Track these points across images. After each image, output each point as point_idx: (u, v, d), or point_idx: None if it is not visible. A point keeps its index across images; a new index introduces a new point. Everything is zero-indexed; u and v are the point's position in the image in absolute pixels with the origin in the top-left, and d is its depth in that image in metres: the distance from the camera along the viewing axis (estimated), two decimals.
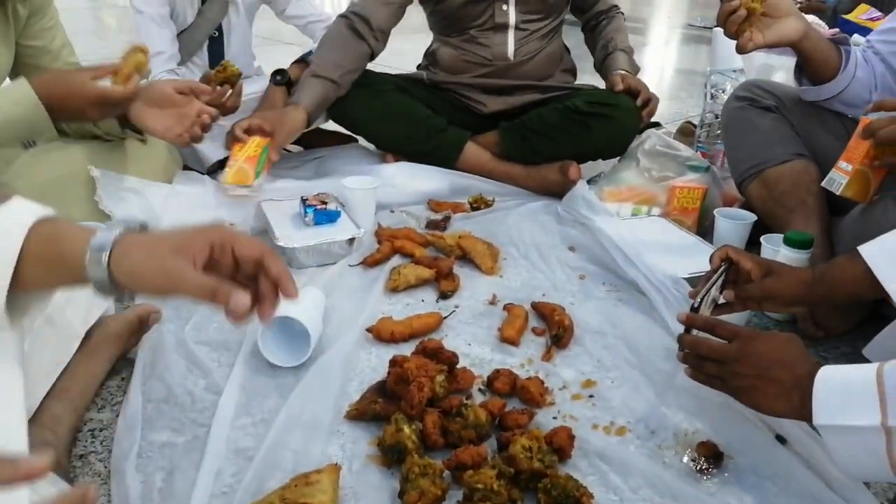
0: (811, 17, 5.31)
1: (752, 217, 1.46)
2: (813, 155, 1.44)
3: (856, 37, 5.14)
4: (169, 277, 0.60)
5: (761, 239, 1.36)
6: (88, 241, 0.60)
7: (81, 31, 4.06)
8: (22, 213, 0.62)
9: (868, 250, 1.00)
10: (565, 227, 1.62)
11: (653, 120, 1.88)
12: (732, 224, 1.45)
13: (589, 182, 1.80)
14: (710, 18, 6.01)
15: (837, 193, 1.20)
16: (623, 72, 1.85)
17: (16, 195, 0.64)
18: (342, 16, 1.84)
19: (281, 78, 1.90)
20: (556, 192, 1.79)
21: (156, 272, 0.60)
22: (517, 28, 1.87)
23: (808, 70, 1.40)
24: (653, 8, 8.16)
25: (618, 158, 1.82)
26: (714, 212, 1.50)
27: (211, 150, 1.79)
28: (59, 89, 1.15)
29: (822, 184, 1.24)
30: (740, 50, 1.29)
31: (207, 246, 0.62)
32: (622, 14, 2.04)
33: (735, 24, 1.27)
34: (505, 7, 1.85)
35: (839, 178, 1.20)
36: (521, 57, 1.89)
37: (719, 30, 1.96)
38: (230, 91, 1.57)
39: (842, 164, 1.20)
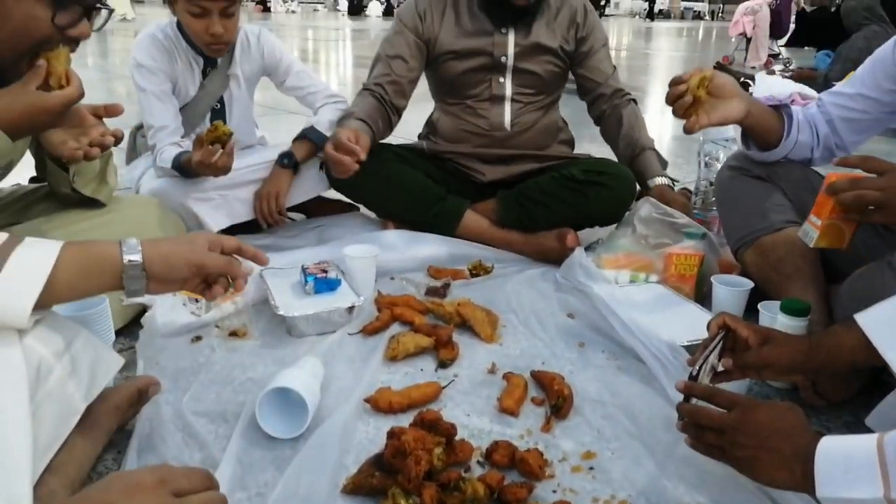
0: (802, 86, 5.45)
1: (750, 284, 1.47)
2: None
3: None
4: (198, 255, 0.87)
5: (759, 306, 1.36)
6: (121, 241, 0.83)
7: (93, 102, 4.13)
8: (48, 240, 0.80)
9: (865, 318, 1.01)
10: (564, 294, 1.64)
11: (670, 178, 1.92)
12: (730, 291, 1.46)
13: (586, 249, 1.82)
14: None
15: (811, 246, 1.24)
16: (662, 181, 1.88)
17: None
18: (365, 88, 1.94)
19: (288, 161, 1.93)
20: (555, 259, 1.81)
21: (186, 252, 0.86)
22: (513, 100, 1.93)
23: (753, 139, 1.49)
24: (648, 76, 8.40)
25: (615, 225, 1.84)
26: (711, 279, 1.52)
27: (214, 218, 1.82)
28: (19, 109, 1.10)
29: (798, 233, 1.28)
30: (687, 131, 1.37)
31: (209, 242, 0.90)
32: (633, 100, 2.02)
33: (682, 107, 1.35)
34: (501, 80, 1.91)
35: (811, 232, 1.23)
36: (518, 128, 1.94)
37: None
38: (220, 151, 1.60)
39: (812, 217, 1.24)
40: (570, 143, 2.11)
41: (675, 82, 1.36)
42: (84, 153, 1.26)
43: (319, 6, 41.86)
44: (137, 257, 0.82)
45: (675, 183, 1.97)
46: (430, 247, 1.83)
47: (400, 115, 1.98)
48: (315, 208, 2.11)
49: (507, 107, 1.93)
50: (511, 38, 1.88)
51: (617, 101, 1.99)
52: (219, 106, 2.02)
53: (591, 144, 2.07)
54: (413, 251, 1.80)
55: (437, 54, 1.92)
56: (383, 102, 1.92)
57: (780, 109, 1.47)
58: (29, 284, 0.76)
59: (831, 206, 1.19)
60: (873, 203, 1.13)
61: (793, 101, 5.08)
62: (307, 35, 14.11)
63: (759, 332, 1.08)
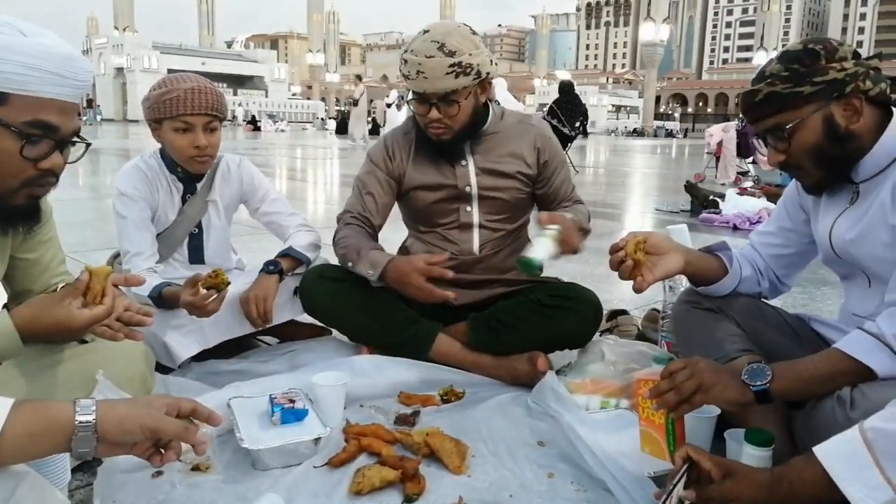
0: (767, 203, 5.62)
1: (716, 411, 1.48)
2: (762, 350, 1.51)
3: None
4: (154, 419, 0.87)
5: (725, 434, 1.37)
6: (75, 400, 0.83)
7: (80, 222, 4.24)
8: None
9: (823, 451, 1.02)
10: (535, 420, 1.63)
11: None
12: (696, 419, 1.46)
13: (558, 372, 1.83)
14: (675, 203, 6.39)
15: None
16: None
17: None
18: (341, 217, 2.00)
19: (274, 268, 1.97)
20: (526, 382, 1.81)
21: (142, 416, 0.86)
22: (481, 226, 2.00)
23: (697, 282, 1.59)
24: (625, 192, 8.68)
25: (583, 348, 1.86)
26: None
27: (184, 346, 1.82)
28: (45, 323, 1.14)
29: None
30: (637, 291, 1.43)
31: (166, 405, 0.90)
32: (583, 204, 2.07)
33: (626, 271, 1.42)
34: (468, 208, 1.98)
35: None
36: (487, 251, 2.00)
37: (673, 227, 2.11)
38: (214, 296, 1.63)
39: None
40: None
41: (613, 250, 1.44)
42: (125, 335, 1.26)
43: (308, 125, 43.60)
44: (90, 418, 0.82)
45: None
46: (402, 371, 1.83)
47: (376, 231, 2.05)
48: (288, 331, 2.12)
49: (476, 233, 2.00)
50: (471, 168, 1.96)
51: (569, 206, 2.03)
52: (197, 230, 2.08)
53: (561, 271, 2.12)
54: (385, 376, 1.80)
55: (407, 189, 2.01)
56: (365, 228, 1.99)
57: (717, 252, 1.58)
58: None
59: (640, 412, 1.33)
60: (691, 390, 1.22)
61: (760, 217, 5.27)
62: (296, 154, 14.58)
63: (722, 466, 1.08)
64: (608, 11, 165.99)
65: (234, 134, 25.49)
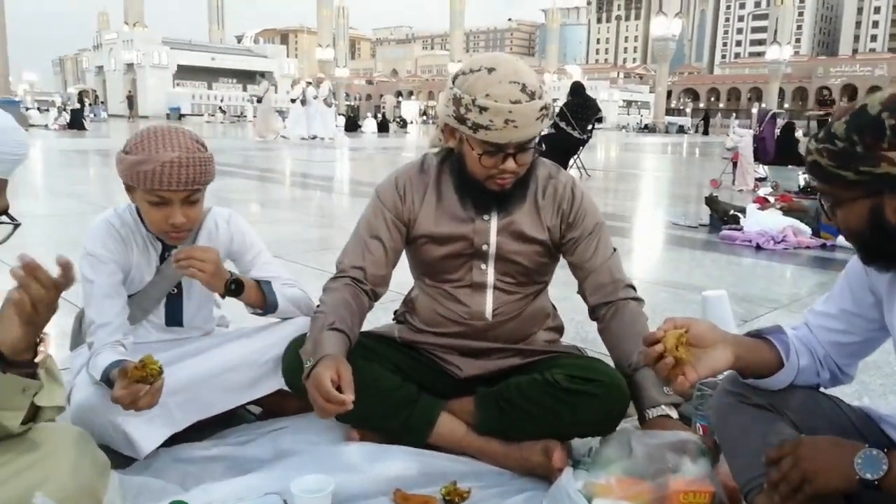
0: (793, 220, 5.37)
1: None
2: None
3: (840, 239, 5.18)
4: None
5: None
6: None
7: (70, 240, 3.97)
8: None
9: None
10: None
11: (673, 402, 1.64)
12: None
13: (578, 463, 1.59)
14: (693, 216, 6.14)
15: None
16: (660, 412, 1.61)
17: None
18: (340, 274, 1.75)
19: (235, 287, 1.73)
20: (541, 474, 1.58)
21: None
22: (496, 288, 1.75)
23: (749, 375, 1.35)
24: (636, 201, 8.41)
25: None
26: None
27: (148, 435, 1.59)
28: None
29: None
30: (679, 394, 1.25)
31: None
32: (637, 300, 1.77)
33: (666, 369, 1.20)
34: (483, 266, 1.74)
35: None
36: (501, 317, 1.76)
37: (710, 295, 1.87)
38: (145, 390, 1.40)
39: None
40: (559, 328, 1.93)
41: (649, 342, 1.22)
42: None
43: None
44: None
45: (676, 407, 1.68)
46: (398, 463, 1.59)
47: (377, 299, 1.80)
48: (273, 402, 1.89)
49: (489, 295, 1.76)
50: (493, 224, 1.72)
51: (615, 300, 1.75)
52: (175, 291, 1.85)
53: (583, 327, 1.86)
54: (378, 469, 1.57)
55: (416, 236, 1.77)
56: (359, 289, 1.74)
57: (770, 337, 1.33)
58: None
59: None
60: (798, 481, 1.11)
61: (785, 236, 5.01)
62: (303, 153, 14.37)
63: None
64: (619, 5, 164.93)
65: (244, 133, 25.30)
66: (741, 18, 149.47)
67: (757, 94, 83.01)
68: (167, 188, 1.56)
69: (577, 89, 10.63)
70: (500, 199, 1.69)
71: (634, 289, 1.79)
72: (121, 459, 1.56)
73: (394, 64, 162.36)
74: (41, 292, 1.09)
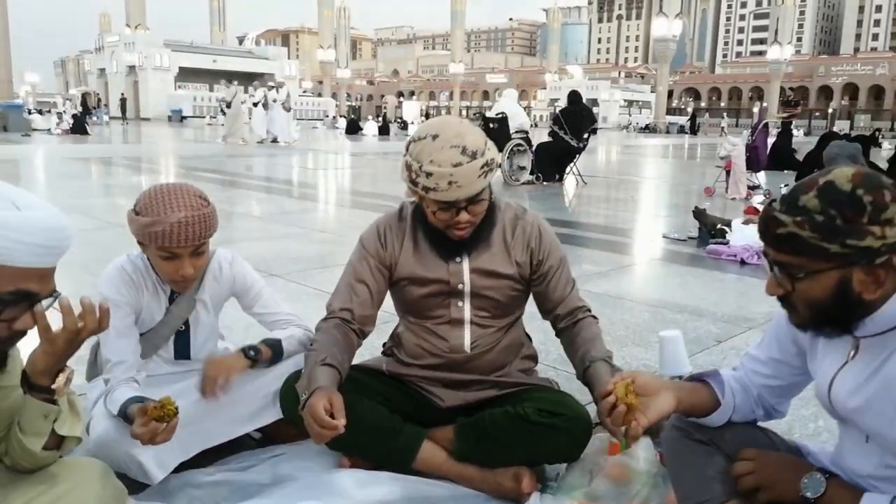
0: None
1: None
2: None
3: None
4: None
5: None
6: None
7: (76, 263, 4.14)
8: None
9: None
10: None
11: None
12: None
13: (545, 488, 1.77)
14: (683, 230, 6.30)
15: None
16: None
17: None
18: (330, 315, 1.92)
19: (254, 354, 1.94)
20: (513, 498, 1.76)
21: None
22: (473, 323, 1.94)
23: (691, 416, 1.52)
24: (631, 212, 8.56)
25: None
26: None
27: (161, 462, 1.77)
28: None
29: None
30: (633, 439, 1.40)
31: None
32: (593, 317, 1.99)
33: (619, 417, 1.36)
34: (460, 304, 1.92)
35: None
36: (479, 349, 1.94)
37: (666, 335, 2.05)
38: (163, 426, 1.58)
39: None
40: (534, 357, 2.11)
41: (602, 395, 1.40)
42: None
43: (318, 123, 43.61)
44: None
45: None
46: (384, 488, 1.78)
47: (365, 337, 1.98)
48: (272, 429, 2.07)
49: (467, 330, 1.94)
50: (465, 265, 1.90)
51: (573, 317, 1.97)
52: (183, 328, 2.03)
53: (556, 361, 2.04)
54: (365, 494, 1.75)
55: (398, 279, 1.95)
56: (348, 328, 1.92)
57: (709, 379, 1.51)
58: None
59: None
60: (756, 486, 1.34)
61: None
62: (307, 160, 14.55)
63: None
64: (620, 5, 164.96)
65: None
66: (742, 18, 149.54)
67: (758, 94, 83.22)
68: (177, 245, 1.75)
69: (574, 98, 10.80)
70: (467, 243, 1.88)
71: (590, 310, 2.01)
72: (135, 486, 1.74)
73: (395, 64, 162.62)
74: (74, 326, 1.27)
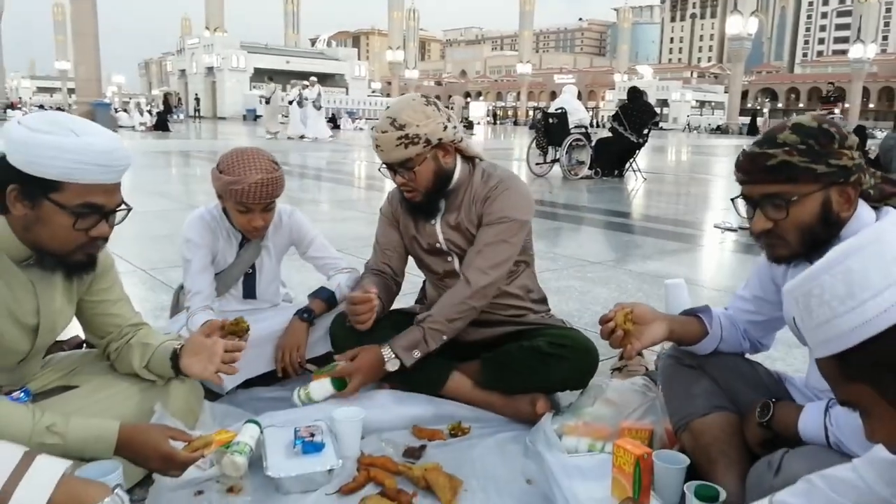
0: None
1: (686, 461, 1.63)
2: (736, 406, 1.65)
3: None
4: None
5: (684, 487, 1.52)
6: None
7: (161, 237, 4.63)
8: (48, 470, 1.09)
9: None
10: (528, 459, 1.82)
11: None
12: (665, 469, 1.62)
13: (559, 412, 2.01)
14: (732, 222, 6.33)
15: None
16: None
17: (41, 454, 1.11)
18: (369, 270, 2.29)
19: (308, 316, 2.26)
20: (529, 421, 2.01)
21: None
22: None
23: (681, 344, 1.73)
24: (687, 205, 8.58)
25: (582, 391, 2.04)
26: (653, 455, 1.68)
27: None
28: (137, 440, 1.43)
29: None
30: (627, 358, 1.61)
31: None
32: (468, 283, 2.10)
33: (617, 340, 1.60)
34: (450, 259, 2.19)
35: None
36: None
37: (670, 283, 2.25)
38: (237, 340, 1.89)
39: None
40: (543, 300, 2.34)
41: (603, 321, 1.63)
42: (224, 372, 1.73)
43: None
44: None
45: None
46: (418, 407, 2.05)
47: (399, 287, 2.32)
48: (325, 362, 2.38)
49: None
50: (438, 227, 2.16)
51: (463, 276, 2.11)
52: (251, 271, 2.37)
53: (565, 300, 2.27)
54: (401, 410, 2.03)
55: (405, 240, 2.27)
56: (386, 278, 2.25)
57: (700, 314, 1.72)
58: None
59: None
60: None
61: None
62: (365, 155, 15.03)
63: None
64: (694, 3, 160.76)
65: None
66: (824, 16, 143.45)
67: (841, 94, 79.66)
68: (252, 202, 2.08)
69: (634, 94, 10.85)
70: (431, 207, 2.12)
71: (470, 283, 2.07)
72: (211, 395, 2.08)
73: (463, 65, 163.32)
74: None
